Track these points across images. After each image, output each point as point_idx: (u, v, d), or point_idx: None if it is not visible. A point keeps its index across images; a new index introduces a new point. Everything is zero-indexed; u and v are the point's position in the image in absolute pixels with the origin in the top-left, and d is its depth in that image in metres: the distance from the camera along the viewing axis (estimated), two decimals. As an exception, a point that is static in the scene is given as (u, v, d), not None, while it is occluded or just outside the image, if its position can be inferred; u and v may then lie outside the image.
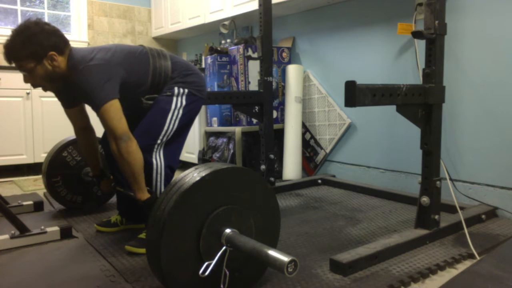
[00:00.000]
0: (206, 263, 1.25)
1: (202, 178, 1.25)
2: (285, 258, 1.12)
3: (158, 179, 1.84)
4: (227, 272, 1.28)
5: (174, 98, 1.86)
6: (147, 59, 1.85)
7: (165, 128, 1.83)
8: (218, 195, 1.30)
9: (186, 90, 1.88)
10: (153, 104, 1.85)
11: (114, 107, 1.67)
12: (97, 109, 1.67)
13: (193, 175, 1.28)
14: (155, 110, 1.83)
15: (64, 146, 2.36)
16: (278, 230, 1.48)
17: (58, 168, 2.34)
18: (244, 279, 1.39)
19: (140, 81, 1.82)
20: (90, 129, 2.08)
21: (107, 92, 1.67)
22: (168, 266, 1.21)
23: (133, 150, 1.67)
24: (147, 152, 1.78)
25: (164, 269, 1.21)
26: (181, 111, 1.87)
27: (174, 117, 1.85)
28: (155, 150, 1.82)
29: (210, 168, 1.30)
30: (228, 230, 1.29)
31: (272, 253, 1.16)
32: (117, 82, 1.72)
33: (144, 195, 1.72)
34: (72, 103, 1.97)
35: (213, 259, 1.26)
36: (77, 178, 2.39)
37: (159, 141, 1.82)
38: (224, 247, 1.27)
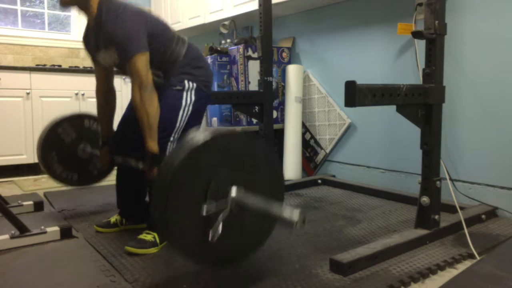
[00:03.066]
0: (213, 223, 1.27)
1: (212, 138, 1.28)
2: (294, 210, 1.15)
3: None
4: (233, 233, 1.29)
5: (184, 94, 1.86)
6: (171, 35, 1.88)
7: (177, 125, 1.84)
8: (226, 155, 1.32)
9: (194, 85, 1.89)
10: (163, 98, 1.83)
11: (146, 58, 1.73)
12: (130, 56, 1.70)
13: (203, 135, 1.30)
14: (166, 106, 1.82)
15: (59, 123, 2.30)
16: (283, 191, 1.49)
17: (53, 144, 2.28)
18: (252, 239, 1.40)
19: (157, 50, 1.82)
20: (112, 91, 2.09)
21: (142, 42, 1.73)
22: (174, 222, 1.21)
23: (155, 101, 1.73)
24: (162, 150, 1.79)
25: (170, 225, 1.21)
26: (191, 108, 1.88)
27: (184, 114, 1.86)
28: (168, 147, 1.83)
29: (220, 131, 1.34)
30: (235, 188, 1.31)
31: (280, 207, 1.18)
32: (146, 37, 1.76)
33: (155, 146, 1.73)
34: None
35: (219, 217, 1.27)
36: (73, 155, 2.33)
37: (172, 138, 1.84)
38: (231, 204, 1.29)
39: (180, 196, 1.23)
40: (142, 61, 1.71)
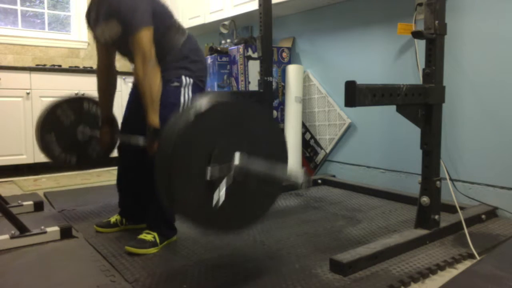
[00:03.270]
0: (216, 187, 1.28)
1: (214, 105, 1.28)
2: (299, 171, 1.18)
3: None
4: (238, 200, 1.31)
5: (182, 90, 1.86)
6: (173, 22, 1.89)
7: None
8: (228, 121, 1.33)
9: (191, 80, 1.89)
10: (162, 96, 1.81)
11: (150, 33, 1.73)
12: (135, 29, 1.70)
13: (205, 102, 1.30)
14: (167, 105, 1.81)
15: (58, 104, 2.27)
16: (286, 152, 1.50)
17: (52, 125, 2.25)
18: (257, 206, 1.42)
19: (155, 32, 1.80)
20: (113, 69, 2.08)
21: (147, 17, 1.73)
22: (177, 187, 1.22)
23: (158, 76, 1.74)
24: None
25: (173, 189, 1.21)
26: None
27: None
28: None
29: (224, 99, 1.35)
30: (238, 154, 1.31)
31: (285, 170, 1.19)
32: (151, 14, 1.76)
33: (157, 120, 1.73)
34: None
35: (222, 183, 1.28)
36: (72, 137, 2.31)
37: None
38: (235, 170, 1.29)
39: (183, 161, 1.23)
40: (146, 36, 1.72)
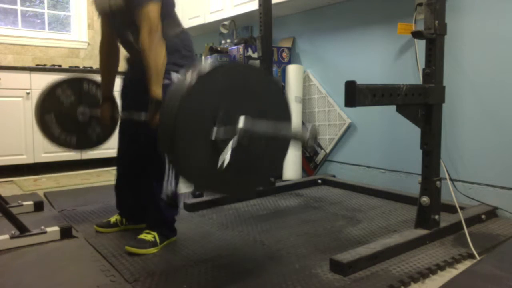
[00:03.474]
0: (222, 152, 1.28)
1: (220, 65, 1.30)
2: (304, 128, 1.15)
3: (170, 175, 1.86)
4: (244, 162, 1.31)
5: None
6: (173, 14, 1.91)
7: None
8: (234, 84, 1.33)
9: None
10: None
11: (158, 8, 1.75)
12: (144, 2, 1.71)
13: (209, 65, 1.31)
14: None
15: (58, 84, 2.26)
16: (289, 111, 1.50)
17: (51, 105, 2.24)
18: (263, 168, 1.42)
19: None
20: (116, 47, 2.08)
21: None
22: (182, 148, 1.22)
23: (163, 47, 1.74)
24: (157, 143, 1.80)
25: (178, 150, 1.21)
26: None
27: None
28: None
29: (227, 62, 1.34)
30: (243, 118, 1.32)
31: (290, 128, 1.19)
32: None
33: (160, 91, 1.73)
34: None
35: (228, 146, 1.28)
36: (72, 118, 2.29)
37: None
38: (239, 133, 1.30)
39: (188, 123, 1.23)
40: (155, 9, 1.73)
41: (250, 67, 1.43)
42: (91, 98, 2.31)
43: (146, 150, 1.85)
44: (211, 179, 1.31)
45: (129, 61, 2.03)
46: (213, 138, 1.26)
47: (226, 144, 1.29)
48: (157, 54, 1.72)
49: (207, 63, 1.33)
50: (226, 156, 1.26)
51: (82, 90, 2.30)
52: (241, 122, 1.32)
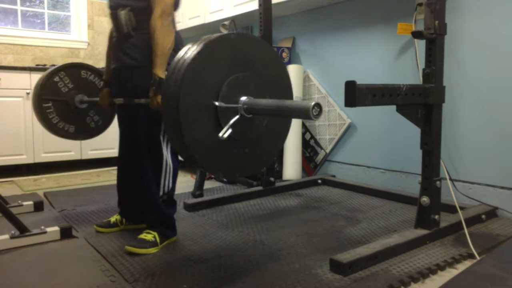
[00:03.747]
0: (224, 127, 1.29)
1: (225, 37, 1.30)
2: (308, 103, 1.16)
3: (168, 172, 1.87)
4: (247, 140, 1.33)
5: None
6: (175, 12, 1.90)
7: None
8: (237, 57, 1.34)
9: None
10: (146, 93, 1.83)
11: None
12: None
13: (214, 35, 1.32)
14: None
15: (56, 71, 2.25)
16: (291, 87, 1.51)
17: (49, 93, 2.23)
18: (269, 142, 1.43)
19: (149, 10, 1.81)
20: None
21: None
22: (185, 121, 1.22)
23: (172, 31, 1.78)
24: (156, 144, 1.82)
25: (181, 123, 1.22)
26: None
27: None
28: (163, 142, 1.86)
29: (228, 34, 1.37)
30: (245, 97, 1.33)
31: (294, 102, 1.19)
32: None
33: (162, 70, 1.74)
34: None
35: (230, 121, 1.29)
36: (70, 106, 2.29)
37: (163, 132, 1.86)
38: (242, 108, 1.31)
39: (192, 94, 1.24)
40: None
41: (254, 39, 1.44)
42: (89, 86, 2.30)
43: (144, 135, 1.86)
44: (217, 155, 1.31)
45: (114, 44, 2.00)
46: (217, 107, 1.27)
47: (230, 116, 1.30)
48: (165, 37, 1.74)
49: (209, 36, 1.34)
50: (229, 127, 1.27)
51: (80, 78, 2.30)
52: (244, 97, 1.33)
